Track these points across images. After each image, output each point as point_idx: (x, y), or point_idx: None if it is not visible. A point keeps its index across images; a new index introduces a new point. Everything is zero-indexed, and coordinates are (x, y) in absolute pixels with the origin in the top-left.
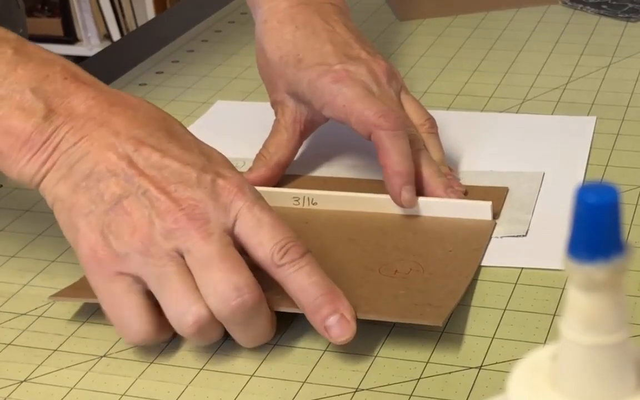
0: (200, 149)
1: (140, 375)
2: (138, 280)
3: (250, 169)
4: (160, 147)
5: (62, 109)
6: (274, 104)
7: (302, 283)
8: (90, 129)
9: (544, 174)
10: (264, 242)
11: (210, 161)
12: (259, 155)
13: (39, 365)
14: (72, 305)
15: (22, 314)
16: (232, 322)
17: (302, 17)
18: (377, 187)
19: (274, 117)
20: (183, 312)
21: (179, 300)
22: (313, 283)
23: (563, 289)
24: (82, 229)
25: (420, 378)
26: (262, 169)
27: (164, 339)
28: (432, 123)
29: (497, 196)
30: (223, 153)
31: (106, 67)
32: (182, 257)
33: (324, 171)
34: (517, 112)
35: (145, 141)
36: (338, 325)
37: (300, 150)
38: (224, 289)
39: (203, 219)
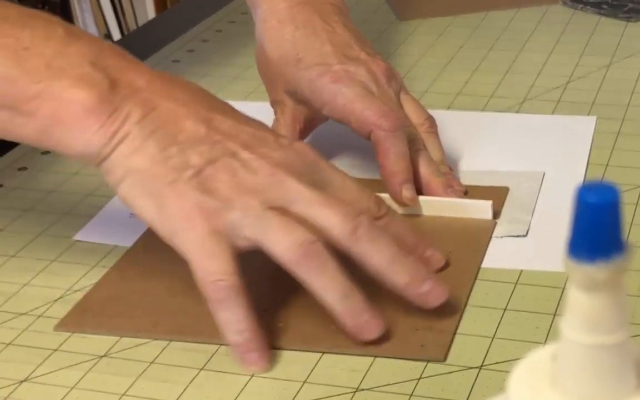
0: (250, 118)
1: (140, 375)
2: (236, 237)
3: None
4: (228, 116)
5: (124, 82)
6: (273, 103)
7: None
8: (158, 102)
9: (544, 173)
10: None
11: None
12: None
13: (39, 365)
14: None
15: (22, 314)
16: (355, 240)
17: (302, 17)
18: (376, 186)
19: (274, 117)
20: (291, 239)
21: (285, 231)
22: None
23: (563, 289)
24: (169, 195)
25: (420, 378)
26: None
27: (244, 298)
28: (431, 122)
29: (497, 196)
30: None
31: None
32: (278, 209)
33: None
34: (517, 112)
35: (213, 110)
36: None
37: None
38: (334, 212)
39: (296, 172)
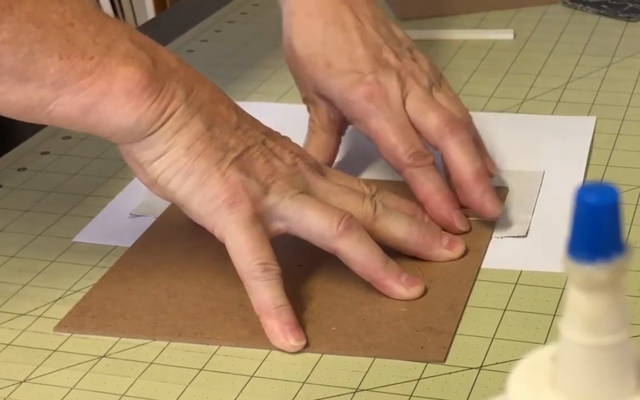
0: None
1: (140, 375)
2: (272, 220)
3: None
4: (241, 108)
5: (161, 61)
6: (305, 101)
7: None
8: (193, 83)
9: (544, 173)
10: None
11: None
12: None
13: (39, 365)
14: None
15: (22, 314)
16: (376, 218)
17: (332, 10)
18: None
19: (308, 116)
20: (331, 216)
21: (323, 210)
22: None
23: (563, 289)
24: (215, 175)
25: (420, 378)
26: None
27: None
28: (452, 127)
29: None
30: None
31: None
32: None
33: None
34: (517, 112)
35: (232, 100)
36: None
37: None
38: (354, 197)
39: (308, 164)
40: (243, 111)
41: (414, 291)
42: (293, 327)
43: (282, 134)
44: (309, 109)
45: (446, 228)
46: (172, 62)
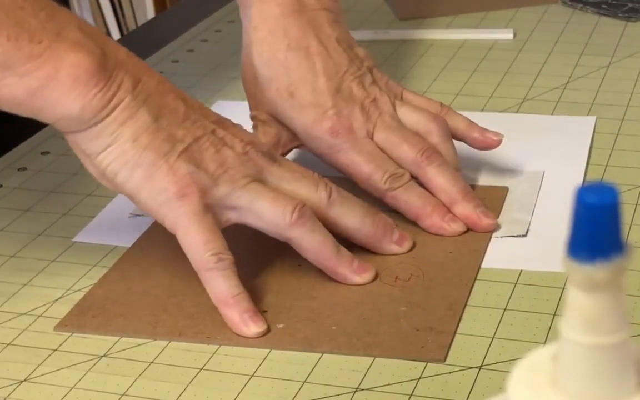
0: None
1: (140, 375)
2: (223, 210)
3: None
4: (190, 97)
5: (110, 51)
6: (254, 119)
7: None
8: (140, 74)
9: (543, 173)
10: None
11: None
12: None
13: (39, 365)
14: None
15: (22, 314)
16: (331, 204)
17: (295, 32)
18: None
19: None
20: (283, 205)
21: (275, 199)
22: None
23: (563, 289)
24: (163, 167)
25: (420, 378)
26: None
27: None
28: (428, 154)
29: (497, 196)
30: None
31: None
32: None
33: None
34: (517, 112)
35: (179, 90)
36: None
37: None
38: (307, 183)
39: (261, 150)
40: (193, 101)
41: (366, 277)
42: (252, 314)
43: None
44: (255, 127)
45: (444, 233)
46: (121, 54)
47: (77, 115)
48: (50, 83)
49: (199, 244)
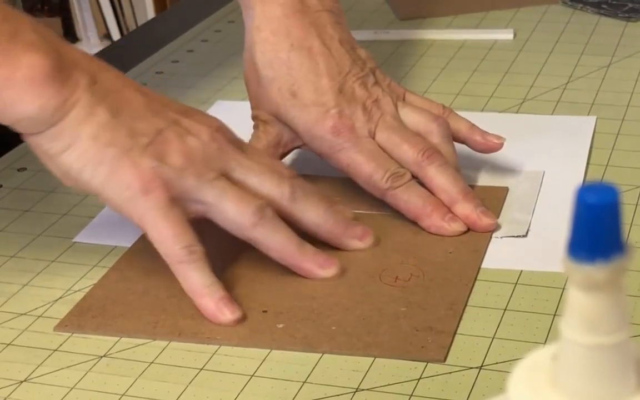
0: None
1: (140, 375)
2: (190, 203)
3: None
4: (151, 90)
5: (65, 52)
6: (255, 119)
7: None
8: (97, 73)
9: (543, 173)
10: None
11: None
12: None
13: (39, 365)
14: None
15: (22, 314)
16: (293, 200)
17: (298, 33)
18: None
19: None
20: (246, 206)
21: (239, 199)
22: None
23: (563, 289)
24: (125, 163)
25: (420, 378)
26: None
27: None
28: (429, 154)
29: (497, 196)
30: None
31: None
32: (225, 176)
33: (320, 170)
34: (517, 112)
35: (133, 82)
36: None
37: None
38: (271, 176)
39: (229, 139)
40: (154, 94)
41: (331, 271)
42: (227, 302)
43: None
44: (256, 126)
45: (444, 233)
46: (76, 54)
47: (35, 116)
48: (7, 85)
49: (168, 239)
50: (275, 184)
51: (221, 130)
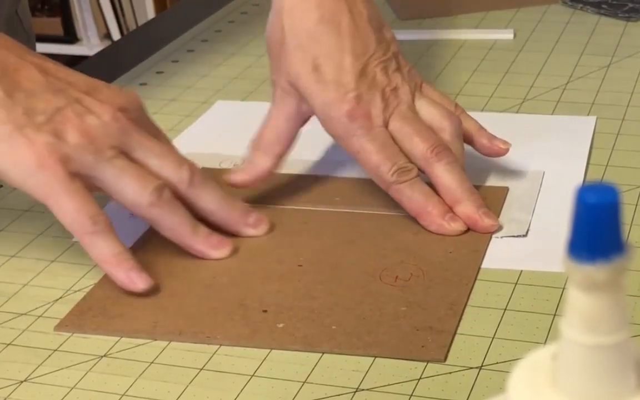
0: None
1: (140, 375)
2: (88, 178)
3: (249, 161)
4: (59, 66)
5: None
6: (275, 84)
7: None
8: None
9: (544, 173)
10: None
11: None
12: (258, 146)
13: (39, 365)
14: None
15: (22, 314)
16: (191, 185)
17: (329, 4)
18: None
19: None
20: (144, 185)
21: (138, 179)
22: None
23: (563, 289)
24: (21, 140)
25: (420, 378)
26: (263, 161)
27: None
28: (438, 151)
29: (497, 196)
30: (223, 153)
31: (106, 67)
32: (125, 154)
33: (321, 169)
34: (517, 112)
35: (45, 60)
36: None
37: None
38: (172, 159)
39: (133, 119)
40: (61, 73)
41: (224, 252)
42: (138, 271)
43: None
44: (275, 92)
45: (443, 232)
46: None
47: None
48: None
49: (71, 211)
50: (175, 168)
51: (125, 110)
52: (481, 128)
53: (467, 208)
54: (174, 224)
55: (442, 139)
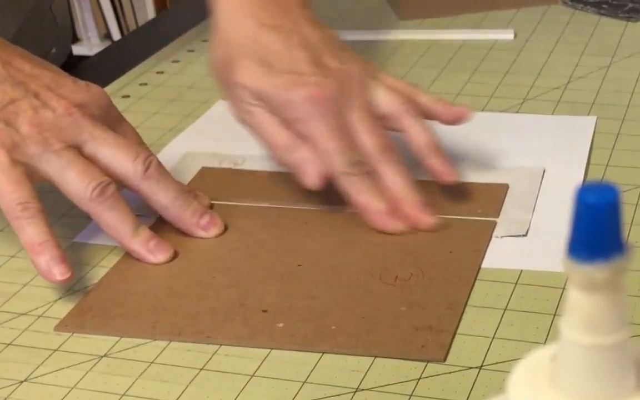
0: (48, 63)
1: (140, 375)
2: (32, 169)
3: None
4: (26, 59)
5: None
6: (233, 104)
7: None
8: None
9: (544, 171)
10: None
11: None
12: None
13: (39, 365)
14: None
15: (22, 314)
16: (145, 178)
17: (264, 14)
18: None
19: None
20: (86, 179)
21: (82, 172)
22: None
23: (563, 289)
24: None
25: (420, 378)
26: None
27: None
28: (383, 149)
29: (497, 193)
30: (223, 153)
31: (106, 67)
32: (75, 148)
33: None
34: (517, 112)
35: (12, 54)
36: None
37: None
38: (126, 152)
39: (91, 114)
40: (26, 65)
41: (161, 257)
42: (58, 261)
43: None
44: (249, 111)
45: (383, 229)
46: None
47: None
48: None
49: (5, 194)
50: (129, 160)
51: (84, 106)
52: (438, 100)
53: (409, 206)
54: (114, 222)
55: (389, 136)
